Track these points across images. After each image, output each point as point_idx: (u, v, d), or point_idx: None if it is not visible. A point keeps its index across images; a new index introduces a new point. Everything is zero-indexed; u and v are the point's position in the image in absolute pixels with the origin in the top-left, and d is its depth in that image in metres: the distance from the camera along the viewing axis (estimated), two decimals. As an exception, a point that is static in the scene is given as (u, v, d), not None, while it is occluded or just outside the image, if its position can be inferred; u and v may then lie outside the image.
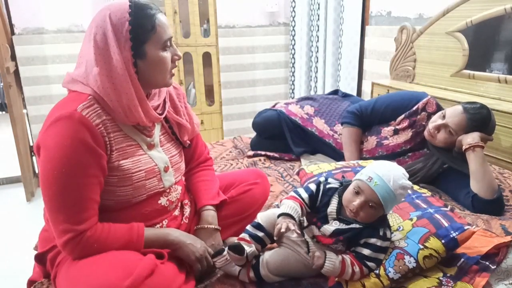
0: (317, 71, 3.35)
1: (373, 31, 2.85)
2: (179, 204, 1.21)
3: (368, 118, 1.82)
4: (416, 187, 1.43)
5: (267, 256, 1.09)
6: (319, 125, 2.00)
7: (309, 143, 2.04)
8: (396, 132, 1.75)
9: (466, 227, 1.08)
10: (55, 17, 2.91)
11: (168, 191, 1.13)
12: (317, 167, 1.58)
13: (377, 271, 1.03)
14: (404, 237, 1.09)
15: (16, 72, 2.81)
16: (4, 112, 4.09)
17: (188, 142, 1.24)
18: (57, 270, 1.01)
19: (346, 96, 2.21)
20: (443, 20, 2.16)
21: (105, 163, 0.97)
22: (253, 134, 2.21)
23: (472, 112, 1.53)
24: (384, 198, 1.00)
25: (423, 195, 1.34)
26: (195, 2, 2.94)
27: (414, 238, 1.07)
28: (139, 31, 0.96)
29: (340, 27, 3.02)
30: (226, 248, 1.07)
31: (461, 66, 2.09)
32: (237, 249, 1.05)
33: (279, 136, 2.06)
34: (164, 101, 1.13)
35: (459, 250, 1.10)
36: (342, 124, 1.87)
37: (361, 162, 1.62)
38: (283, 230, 0.99)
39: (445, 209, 1.22)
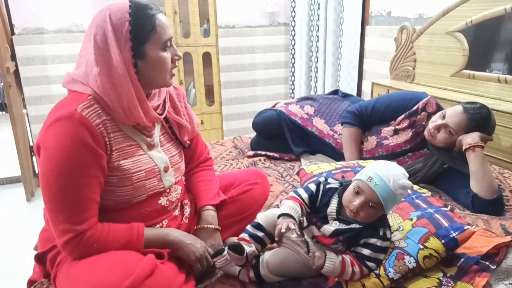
0: (317, 71, 3.35)
1: (373, 31, 2.85)
2: (179, 204, 1.21)
3: (368, 118, 1.82)
4: (416, 187, 1.43)
5: (267, 256, 1.09)
6: (319, 125, 2.00)
7: (309, 143, 2.04)
8: (396, 132, 1.75)
9: (466, 227, 1.08)
10: (55, 17, 2.91)
11: (168, 191, 1.13)
12: (317, 167, 1.58)
13: (377, 271, 1.03)
14: (404, 237, 1.09)
15: (16, 72, 2.81)
16: (4, 112, 4.09)
17: (188, 142, 1.24)
18: (57, 270, 1.01)
19: (346, 96, 2.21)
20: (443, 20, 2.16)
21: (105, 163, 0.97)
22: (253, 134, 2.21)
23: (472, 112, 1.53)
24: (384, 198, 1.00)
25: (423, 195, 1.34)
26: (195, 2, 2.94)
27: (414, 238, 1.07)
28: (139, 31, 0.96)
29: (340, 27, 3.02)
30: (226, 248, 1.07)
31: (461, 66, 2.09)
32: (237, 248, 1.05)
33: (279, 136, 2.06)
34: (164, 101, 1.13)
35: (459, 250, 1.10)
36: (342, 124, 1.87)
37: (361, 162, 1.62)
38: (283, 230, 0.99)
39: (445, 209, 1.22)
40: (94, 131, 0.93)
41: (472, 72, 2.04)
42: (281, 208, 1.06)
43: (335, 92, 2.27)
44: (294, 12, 3.43)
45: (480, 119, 1.52)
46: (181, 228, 1.15)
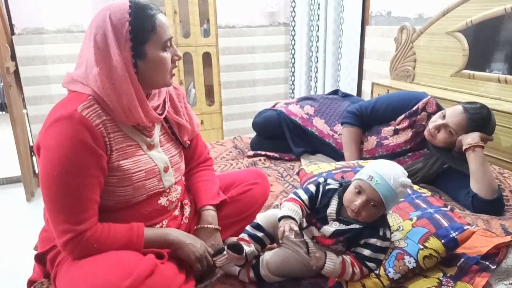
0: (317, 71, 3.35)
1: (373, 31, 2.85)
2: (179, 204, 1.21)
3: (368, 118, 1.82)
4: (416, 187, 1.43)
5: (267, 256, 1.09)
6: (319, 125, 2.00)
7: (309, 143, 2.04)
8: (396, 132, 1.75)
9: (466, 227, 1.08)
10: (55, 17, 2.91)
11: (168, 191, 1.13)
12: (317, 167, 1.58)
13: (377, 271, 1.03)
14: (404, 237, 1.09)
15: (16, 72, 2.81)
16: (4, 112, 4.09)
17: (188, 142, 1.24)
18: (57, 270, 1.01)
19: (346, 96, 2.21)
20: (443, 20, 2.16)
21: (105, 163, 0.97)
22: (253, 134, 2.21)
23: (472, 112, 1.53)
24: (386, 196, 1.00)
25: (423, 195, 1.34)
26: (195, 2, 2.94)
27: (414, 238, 1.07)
28: (139, 31, 0.96)
29: (340, 27, 3.02)
30: (225, 247, 1.07)
31: (461, 66, 2.09)
32: (236, 248, 1.05)
33: (279, 136, 2.06)
34: (164, 101, 1.13)
35: (459, 250, 1.10)
36: (342, 124, 1.87)
37: (361, 162, 1.62)
38: (287, 233, 0.99)
39: (445, 209, 1.22)
40: (94, 131, 0.93)
41: (472, 72, 2.04)
42: (282, 210, 1.06)
43: (335, 92, 2.27)
44: (294, 12, 3.43)
45: (480, 119, 1.52)
46: (181, 228, 1.15)
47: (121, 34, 0.95)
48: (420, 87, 2.28)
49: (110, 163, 0.98)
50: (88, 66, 0.96)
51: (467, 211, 1.45)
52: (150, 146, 1.09)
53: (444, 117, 1.58)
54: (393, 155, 1.73)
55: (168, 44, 1.02)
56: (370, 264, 1.02)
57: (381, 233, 1.04)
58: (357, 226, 1.04)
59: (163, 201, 1.11)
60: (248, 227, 1.13)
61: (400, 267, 1.02)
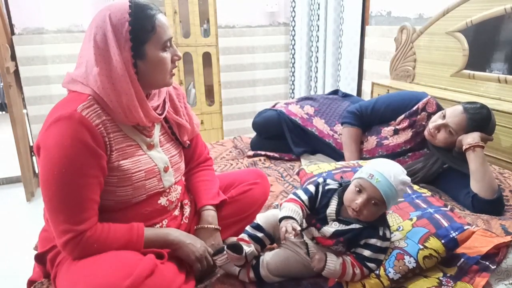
0: (317, 71, 3.35)
1: (373, 31, 2.85)
2: (179, 204, 1.21)
3: (368, 118, 1.82)
4: (416, 187, 1.43)
5: (267, 257, 1.09)
6: (319, 125, 2.00)
7: (309, 143, 2.04)
8: (396, 132, 1.75)
9: (466, 227, 1.08)
10: (55, 17, 2.91)
11: (168, 191, 1.13)
12: (317, 167, 1.58)
13: (377, 272, 1.03)
14: (404, 237, 1.09)
15: (16, 72, 2.81)
16: (4, 112, 4.09)
17: (188, 142, 1.24)
18: (57, 270, 1.01)
19: (346, 96, 2.21)
20: (443, 20, 2.16)
21: (105, 163, 0.97)
22: (253, 134, 2.21)
23: (472, 112, 1.53)
24: (387, 194, 1.00)
25: (423, 195, 1.34)
26: (195, 2, 2.94)
27: (414, 238, 1.07)
28: (139, 31, 0.96)
29: (340, 27, 3.02)
30: (225, 247, 1.07)
31: (461, 66, 2.09)
32: (235, 248, 1.05)
33: (279, 136, 2.06)
34: (164, 101, 1.13)
35: (459, 250, 1.10)
36: (342, 124, 1.87)
37: (361, 162, 1.62)
38: (290, 233, 0.98)
39: (445, 209, 1.22)
40: (94, 131, 0.93)
41: (472, 72, 2.04)
42: (282, 211, 1.06)
43: (335, 92, 2.27)
44: (294, 12, 3.43)
45: (480, 119, 1.52)
46: (181, 228, 1.15)
47: (121, 34, 0.95)
48: (420, 87, 2.28)
49: (110, 163, 0.98)
50: (88, 66, 0.96)
51: (467, 211, 1.45)
52: (150, 146, 1.09)
53: (444, 117, 1.58)
54: (393, 155, 1.73)
55: (168, 44, 1.02)
56: (371, 265, 1.02)
57: (381, 233, 1.04)
58: (357, 225, 1.03)
59: (163, 201, 1.11)
60: (248, 228, 1.12)
61: (400, 267, 1.02)
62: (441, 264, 1.08)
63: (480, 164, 1.46)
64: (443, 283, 1.02)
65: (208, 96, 3.23)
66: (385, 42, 2.70)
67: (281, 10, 3.57)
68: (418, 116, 1.71)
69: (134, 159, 1.03)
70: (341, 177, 1.41)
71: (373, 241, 1.03)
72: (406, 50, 2.43)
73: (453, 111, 1.56)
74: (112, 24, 0.94)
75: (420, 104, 1.71)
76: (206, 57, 3.08)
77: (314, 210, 1.09)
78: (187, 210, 1.22)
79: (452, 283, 1.02)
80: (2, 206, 2.65)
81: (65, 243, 0.93)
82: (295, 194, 1.11)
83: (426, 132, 1.64)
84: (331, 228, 1.05)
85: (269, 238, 1.12)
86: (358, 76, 3.00)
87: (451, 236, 1.06)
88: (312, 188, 1.11)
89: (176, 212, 1.18)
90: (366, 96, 2.88)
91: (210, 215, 1.19)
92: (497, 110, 1.73)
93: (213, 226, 1.17)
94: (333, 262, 1.00)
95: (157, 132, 1.12)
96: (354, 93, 2.97)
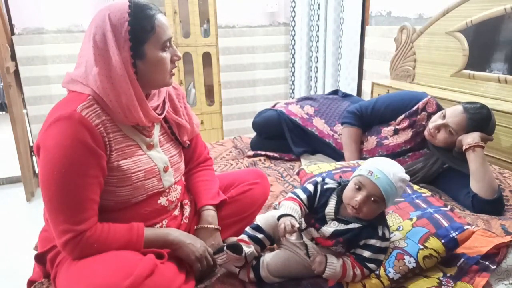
0: (317, 71, 3.35)
1: (373, 31, 2.85)
2: (179, 204, 1.20)
3: (368, 118, 1.82)
4: (416, 187, 1.43)
5: (267, 258, 1.09)
6: (319, 125, 2.00)
7: (309, 143, 2.04)
8: (396, 132, 1.75)
9: (465, 227, 1.08)
10: (55, 17, 2.91)
11: (167, 191, 1.13)
12: (317, 167, 1.58)
13: (377, 272, 1.03)
14: (404, 237, 1.09)
15: (16, 72, 2.81)
16: (4, 112, 4.09)
17: (188, 142, 1.24)
18: (57, 270, 1.01)
19: (346, 96, 2.21)
20: (443, 20, 2.16)
21: (105, 163, 0.97)
22: (253, 134, 2.21)
23: (472, 112, 1.53)
24: (386, 191, 1.00)
25: (423, 195, 1.34)
26: (195, 2, 2.94)
27: (414, 238, 1.07)
28: (139, 31, 0.96)
29: (340, 27, 3.02)
30: (225, 248, 1.07)
31: (461, 66, 2.09)
32: (235, 248, 1.05)
33: (279, 136, 2.06)
34: (164, 101, 1.13)
35: (459, 250, 1.10)
36: (342, 124, 1.87)
37: (361, 162, 1.62)
38: (288, 230, 0.98)
39: (445, 209, 1.22)
40: (94, 131, 0.93)
41: (472, 72, 2.04)
42: (281, 209, 1.06)
43: (335, 92, 2.27)
44: (294, 12, 3.43)
45: (480, 119, 1.52)
46: (181, 228, 1.15)
47: (120, 34, 0.95)
48: (420, 87, 2.28)
49: (109, 163, 0.98)
50: (88, 66, 0.96)
51: (467, 211, 1.45)
52: (150, 146, 1.09)
53: (444, 117, 1.58)
54: (393, 155, 1.73)
55: (168, 44, 1.02)
56: (371, 265, 1.02)
57: (380, 233, 1.04)
58: (356, 225, 1.03)
59: (162, 201, 1.11)
60: (247, 229, 1.12)
61: (400, 267, 1.02)
62: (441, 264, 1.08)
63: (480, 164, 1.46)
64: (443, 283, 1.02)
65: (208, 96, 3.23)
66: (385, 42, 2.70)
67: (281, 10, 3.57)
68: (418, 116, 1.70)
69: (134, 159, 1.03)
70: (340, 177, 1.42)
71: (372, 241, 1.03)
72: (406, 50, 2.43)
73: (453, 111, 1.56)
74: (112, 24, 0.94)
75: (420, 104, 1.71)
76: (206, 57, 3.08)
77: (313, 209, 1.09)
78: (187, 210, 1.22)
79: (452, 283, 1.02)
80: (2, 206, 2.65)
81: (65, 243, 0.93)
82: (293, 193, 1.11)
83: (426, 132, 1.64)
84: (330, 228, 1.05)
85: (269, 239, 1.11)
86: (358, 76, 3.00)
87: (451, 236, 1.06)
88: (310, 187, 1.11)
89: (176, 212, 1.18)
90: (366, 96, 2.88)
91: (210, 215, 1.19)
92: (497, 110, 1.73)
93: (213, 226, 1.17)
94: (333, 264, 1.00)
95: (156, 132, 1.12)
96: (354, 93, 2.97)
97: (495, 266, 1.05)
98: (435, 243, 1.05)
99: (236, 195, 1.28)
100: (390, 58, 2.58)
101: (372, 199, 1.01)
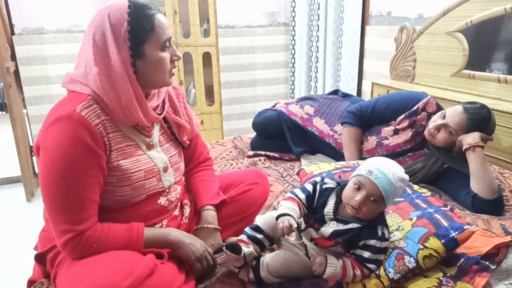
0: (317, 71, 3.35)
1: (373, 31, 2.85)
2: (179, 204, 1.20)
3: (368, 118, 1.82)
4: (416, 187, 1.43)
5: (267, 258, 1.09)
6: (319, 125, 2.00)
7: (309, 143, 2.04)
8: (396, 132, 1.75)
9: (465, 227, 1.08)
10: (55, 17, 2.91)
11: (167, 191, 1.13)
12: (317, 167, 1.58)
13: (377, 272, 1.03)
14: (404, 237, 1.09)
15: (16, 72, 2.81)
16: (4, 112, 4.09)
17: (187, 142, 1.24)
18: (57, 270, 1.01)
19: (346, 96, 2.21)
20: (443, 20, 2.16)
21: (105, 163, 0.97)
22: (253, 134, 2.21)
23: (472, 112, 1.53)
24: (386, 190, 0.99)
25: (423, 195, 1.34)
26: (195, 2, 2.94)
27: (414, 238, 1.07)
28: (138, 31, 0.96)
29: (340, 27, 3.02)
30: (224, 247, 1.07)
31: (461, 66, 2.09)
32: (234, 248, 1.05)
33: (279, 136, 2.06)
34: (163, 101, 1.13)
35: (459, 250, 1.10)
36: (342, 124, 1.87)
37: (361, 162, 1.62)
38: (286, 230, 0.98)
39: (445, 209, 1.22)
40: (93, 131, 0.93)
41: (472, 72, 2.04)
42: (279, 209, 1.06)
43: (335, 92, 2.27)
44: (294, 12, 3.43)
45: (480, 119, 1.52)
46: (181, 228, 1.15)
47: (119, 34, 0.95)
48: (420, 87, 2.28)
49: (109, 163, 0.98)
50: (88, 66, 0.96)
51: (467, 211, 1.45)
52: (149, 146, 1.09)
53: (444, 117, 1.58)
54: (393, 155, 1.73)
55: (167, 44, 1.02)
56: (371, 266, 1.02)
57: (379, 234, 1.03)
58: (356, 225, 1.03)
59: (162, 201, 1.11)
60: (247, 229, 1.12)
61: (400, 267, 1.02)
62: (441, 264, 1.08)
63: (480, 164, 1.46)
64: (443, 283, 1.02)
65: (208, 96, 3.23)
66: (385, 42, 2.70)
67: (281, 10, 3.57)
68: (418, 116, 1.71)
69: (134, 159, 1.03)
70: (339, 177, 1.42)
71: (372, 242, 1.03)
72: (406, 50, 2.43)
73: (453, 111, 1.56)
74: (111, 23, 0.94)
75: (420, 104, 1.71)
76: (206, 57, 3.08)
77: (312, 209, 1.09)
78: (187, 210, 1.22)
79: (452, 283, 1.02)
80: (2, 206, 2.65)
81: (65, 243, 0.93)
82: (292, 192, 1.11)
83: (426, 132, 1.64)
84: (329, 228, 1.04)
85: (268, 240, 1.11)
86: (358, 76, 3.00)
87: (451, 236, 1.06)
88: (309, 187, 1.11)
89: (176, 212, 1.18)
90: (366, 96, 2.88)
91: (210, 215, 1.19)
92: (497, 110, 1.73)
93: (213, 226, 1.17)
94: (333, 265, 1.00)
95: (156, 132, 1.12)
96: (354, 93, 2.97)
97: (495, 266, 1.05)
98: (435, 243, 1.05)
99: (236, 195, 1.28)
100: (390, 58, 2.58)
101: (372, 198, 1.01)
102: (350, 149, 1.81)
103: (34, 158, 2.87)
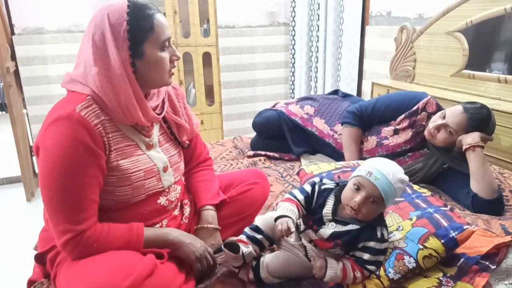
0: (317, 71, 3.35)
1: (373, 31, 2.85)
2: (179, 204, 1.20)
3: (368, 118, 1.82)
4: (416, 187, 1.43)
5: (267, 259, 1.09)
6: (319, 125, 2.00)
7: (309, 143, 2.04)
8: (396, 132, 1.75)
9: (465, 227, 1.08)
10: (55, 17, 2.91)
11: (167, 190, 1.13)
12: (317, 167, 1.58)
13: (377, 272, 1.03)
14: (403, 237, 1.09)
15: (16, 72, 2.81)
16: (4, 112, 4.09)
17: (187, 142, 1.24)
18: (57, 270, 1.01)
19: (346, 96, 2.21)
20: (443, 20, 2.16)
21: (104, 163, 0.97)
22: (253, 134, 2.21)
23: (472, 112, 1.53)
24: (385, 191, 0.99)
25: (423, 195, 1.34)
26: (195, 2, 2.94)
27: (414, 238, 1.07)
28: (137, 31, 0.96)
29: (340, 27, 3.02)
30: (222, 246, 1.07)
31: (461, 66, 2.09)
32: (231, 246, 1.05)
33: (279, 136, 2.06)
34: (163, 101, 1.13)
35: (459, 250, 1.10)
36: (342, 124, 1.87)
37: (361, 162, 1.62)
38: (285, 232, 0.98)
39: (445, 208, 1.22)
40: (93, 131, 0.93)
41: (472, 72, 2.04)
42: (278, 210, 1.05)
43: (335, 92, 2.27)
44: (294, 12, 3.43)
45: (480, 119, 1.52)
46: (181, 228, 1.15)
47: (119, 34, 0.95)
48: (420, 87, 2.28)
49: (109, 163, 0.98)
50: (87, 65, 0.96)
51: (467, 211, 1.45)
52: (149, 146, 1.09)
53: (444, 117, 1.57)
54: (393, 155, 1.73)
55: (167, 44, 1.02)
56: (371, 267, 1.02)
57: (379, 235, 1.03)
58: (355, 226, 1.03)
59: (162, 200, 1.11)
60: (246, 229, 1.12)
61: (400, 267, 1.02)
62: (441, 264, 1.08)
63: (480, 164, 1.46)
64: (443, 283, 1.02)
65: (208, 96, 3.23)
66: (385, 42, 2.70)
67: (281, 10, 3.57)
68: (418, 116, 1.70)
69: (133, 159, 1.03)
70: (339, 177, 1.41)
71: (371, 244, 1.02)
72: (406, 50, 2.43)
73: (453, 111, 1.56)
74: (110, 23, 0.94)
75: (420, 104, 1.71)
76: (206, 57, 3.08)
77: (311, 210, 1.09)
78: (187, 210, 1.22)
79: (452, 283, 1.02)
80: (2, 206, 2.65)
81: (64, 243, 0.93)
82: (291, 193, 1.10)
83: (426, 132, 1.64)
84: (328, 229, 1.04)
85: (268, 240, 1.11)
86: (358, 76, 3.00)
87: (450, 236, 1.06)
88: (308, 188, 1.10)
89: (176, 212, 1.18)
90: (366, 96, 2.88)
91: (210, 215, 1.19)
92: (497, 110, 1.73)
93: (213, 226, 1.17)
94: (333, 268, 1.00)
95: (156, 132, 1.12)
96: (354, 93, 2.96)
97: (495, 266, 1.05)
98: (434, 243, 1.05)
99: (236, 195, 1.28)
100: (390, 58, 2.58)
101: (371, 199, 1.00)
102: (350, 149, 1.81)
103: (34, 158, 2.87)
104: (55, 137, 0.91)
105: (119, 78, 0.95)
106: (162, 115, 1.10)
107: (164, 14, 2.73)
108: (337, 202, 1.07)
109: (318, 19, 3.19)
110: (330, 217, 1.05)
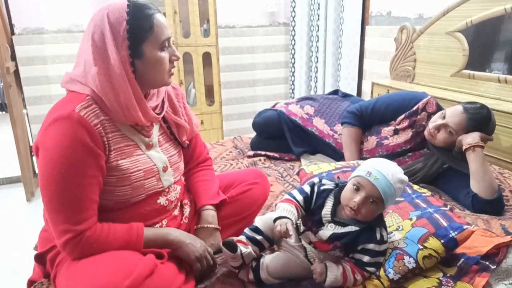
0: (317, 71, 3.35)
1: (373, 31, 2.85)
2: (179, 204, 1.20)
3: (368, 118, 1.82)
4: (416, 187, 1.43)
5: (267, 260, 1.09)
6: (319, 125, 2.00)
7: (309, 143, 2.04)
8: (396, 132, 1.75)
9: (465, 227, 1.08)
10: (55, 17, 2.91)
11: (167, 190, 1.13)
12: (317, 167, 1.58)
13: (377, 273, 1.03)
14: (403, 238, 1.09)
15: (16, 72, 2.81)
16: (4, 112, 4.09)
17: (187, 142, 1.24)
18: (57, 270, 1.01)
19: (346, 96, 2.21)
20: (443, 20, 2.16)
21: (104, 163, 0.97)
22: (253, 134, 2.21)
23: (472, 112, 1.53)
24: (385, 192, 0.99)
25: (423, 195, 1.34)
26: (195, 2, 2.94)
27: (414, 238, 1.07)
28: (137, 31, 0.96)
29: (340, 27, 3.02)
30: (220, 245, 1.07)
31: (461, 66, 2.09)
32: (229, 245, 1.05)
33: (279, 136, 2.06)
34: (163, 101, 1.13)
35: (459, 250, 1.10)
36: (342, 124, 1.87)
37: (361, 162, 1.62)
38: (283, 234, 0.98)
39: (445, 208, 1.22)
40: (93, 131, 0.93)
41: (472, 72, 2.04)
42: (277, 211, 1.05)
43: (335, 92, 2.27)
44: (294, 12, 3.43)
45: (480, 119, 1.52)
46: (181, 228, 1.15)
47: (118, 33, 0.95)
48: (420, 87, 2.28)
49: (108, 162, 0.98)
50: (87, 65, 0.96)
51: (467, 211, 1.45)
52: (149, 146, 1.09)
53: (444, 117, 1.57)
54: (393, 155, 1.73)
55: (166, 44, 1.02)
56: (371, 269, 1.02)
57: (378, 237, 1.03)
58: (354, 228, 1.02)
59: (162, 200, 1.11)
60: (246, 230, 1.12)
61: (400, 268, 1.02)
62: (441, 264, 1.08)
63: (480, 164, 1.46)
64: (443, 283, 1.02)
65: (208, 96, 3.23)
66: (385, 42, 2.70)
67: (281, 10, 3.57)
68: (418, 116, 1.70)
69: (133, 159, 1.03)
70: (338, 177, 1.41)
71: (371, 246, 1.02)
72: (406, 50, 2.43)
73: (453, 111, 1.56)
74: (110, 23, 0.94)
75: (420, 104, 1.71)
76: (206, 57, 3.08)
77: (310, 210, 1.08)
78: (187, 210, 1.22)
79: (452, 283, 1.02)
80: (2, 206, 2.65)
81: (64, 243, 0.93)
82: (290, 194, 1.10)
83: (426, 132, 1.64)
84: (327, 231, 1.04)
85: (268, 241, 1.11)
86: (358, 76, 2.99)
87: (450, 236, 1.06)
88: (307, 188, 1.10)
89: (176, 212, 1.18)
90: (366, 96, 2.88)
91: (209, 214, 1.19)
92: (497, 110, 1.73)
93: (213, 226, 1.17)
94: (334, 273, 1.00)
95: (155, 132, 1.12)
96: (354, 93, 2.96)
97: (495, 266, 1.05)
98: (434, 243, 1.05)
99: (236, 195, 1.28)
100: (390, 58, 2.58)
101: (371, 200, 1.00)
102: (350, 149, 1.81)
103: (34, 158, 2.87)
104: (55, 137, 0.91)
105: (118, 77, 0.95)
106: (161, 115, 1.10)
107: (164, 14, 2.73)
108: (336, 203, 1.06)
109: (318, 19, 3.19)
110: (329, 218, 1.05)
